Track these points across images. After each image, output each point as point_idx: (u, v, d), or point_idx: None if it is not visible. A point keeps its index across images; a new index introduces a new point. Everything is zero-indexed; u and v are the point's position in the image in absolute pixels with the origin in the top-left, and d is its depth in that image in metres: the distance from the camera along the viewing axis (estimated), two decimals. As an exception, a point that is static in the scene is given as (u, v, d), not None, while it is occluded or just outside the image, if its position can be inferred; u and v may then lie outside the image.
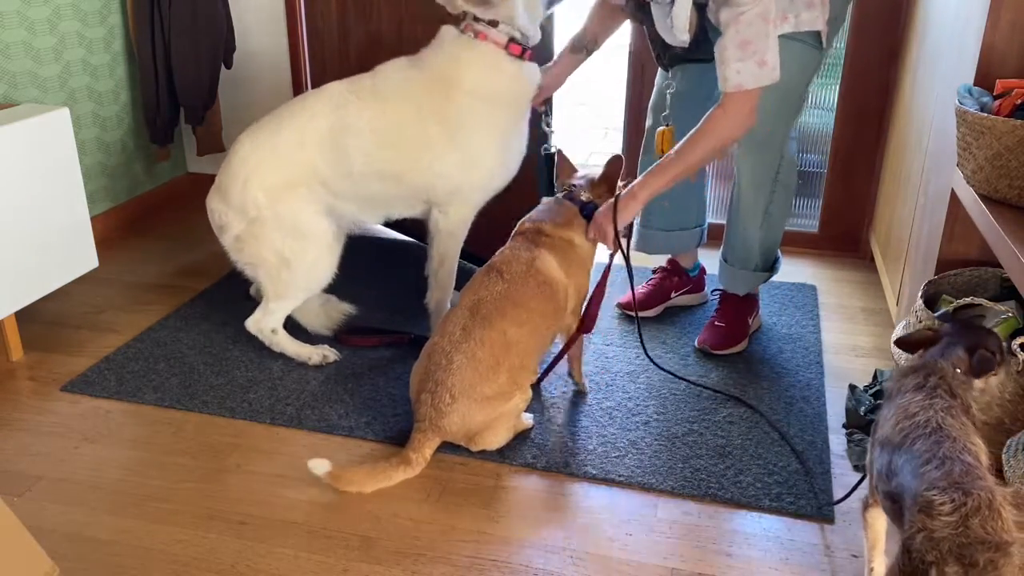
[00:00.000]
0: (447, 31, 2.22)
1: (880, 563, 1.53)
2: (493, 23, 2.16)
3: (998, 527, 1.09)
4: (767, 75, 1.88)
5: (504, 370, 1.87)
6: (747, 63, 1.86)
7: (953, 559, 1.08)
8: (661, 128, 2.27)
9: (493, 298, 1.91)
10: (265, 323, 2.31)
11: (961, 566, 1.08)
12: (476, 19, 2.17)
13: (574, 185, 2.13)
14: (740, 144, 2.16)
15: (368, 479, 1.82)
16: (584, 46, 2.32)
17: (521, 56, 2.19)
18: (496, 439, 1.92)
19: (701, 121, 1.98)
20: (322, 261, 2.27)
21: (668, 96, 2.31)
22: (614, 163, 2.12)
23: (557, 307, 2.00)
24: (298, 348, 2.32)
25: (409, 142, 2.19)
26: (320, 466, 1.79)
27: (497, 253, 2.03)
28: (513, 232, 2.09)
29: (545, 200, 2.15)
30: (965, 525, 1.09)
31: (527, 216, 2.11)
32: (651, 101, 2.44)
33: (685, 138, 2.00)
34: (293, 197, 2.21)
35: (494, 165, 2.24)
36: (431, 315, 2.38)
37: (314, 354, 2.31)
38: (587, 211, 2.08)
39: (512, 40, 2.17)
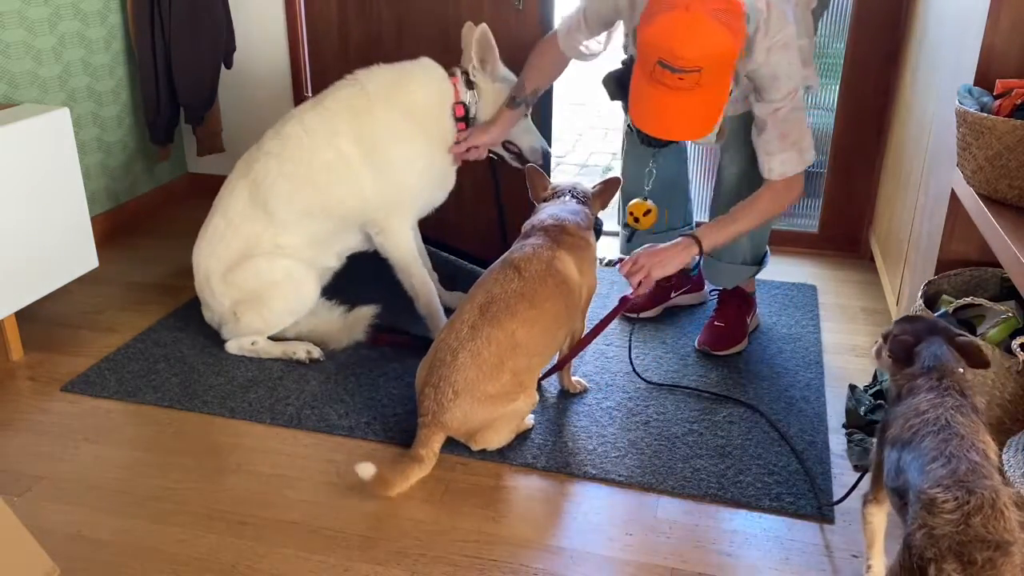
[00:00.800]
0: (425, 61, 2.35)
1: (878, 561, 1.53)
2: (470, 85, 2.32)
3: (1000, 527, 1.09)
4: (806, 159, 1.99)
5: (508, 370, 1.87)
6: (789, 153, 1.97)
7: (952, 556, 1.08)
8: (637, 200, 2.24)
9: (506, 296, 1.90)
10: (244, 340, 2.34)
11: (960, 564, 1.07)
12: (464, 73, 2.32)
13: (574, 190, 2.16)
14: (727, 142, 2.17)
15: (396, 484, 1.81)
16: (524, 100, 2.29)
17: (454, 116, 2.30)
18: (497, 438, 1.92)
19: (753, 195, 2.05)
20: (299, 296, 2.34)
21: (648, 175, 2.31)
22: (612, 183, 2.19)
23: (571, 307, 2.00)
24: (283, 347, 2.34)
25: (321, 172, 2.25)
26: (367, 470, 1.76)
27: (515, 248, 2.01)
28: (529, 227, 2.07)
29: (561, 200, 2.14)
30: (966, 523, 1.09)
31: (547, 213, 2.08)
32: (626, 184, 2.40)
33: (740, 205, 2.06)
34: (255, 266, 2.28)
35: (412, 181, 2.30)
36: (424, 319, 2.41)
37: (299, 349, 2.33)
38: (599, 225, 2.15)
39: (462, 103, 2.31)
